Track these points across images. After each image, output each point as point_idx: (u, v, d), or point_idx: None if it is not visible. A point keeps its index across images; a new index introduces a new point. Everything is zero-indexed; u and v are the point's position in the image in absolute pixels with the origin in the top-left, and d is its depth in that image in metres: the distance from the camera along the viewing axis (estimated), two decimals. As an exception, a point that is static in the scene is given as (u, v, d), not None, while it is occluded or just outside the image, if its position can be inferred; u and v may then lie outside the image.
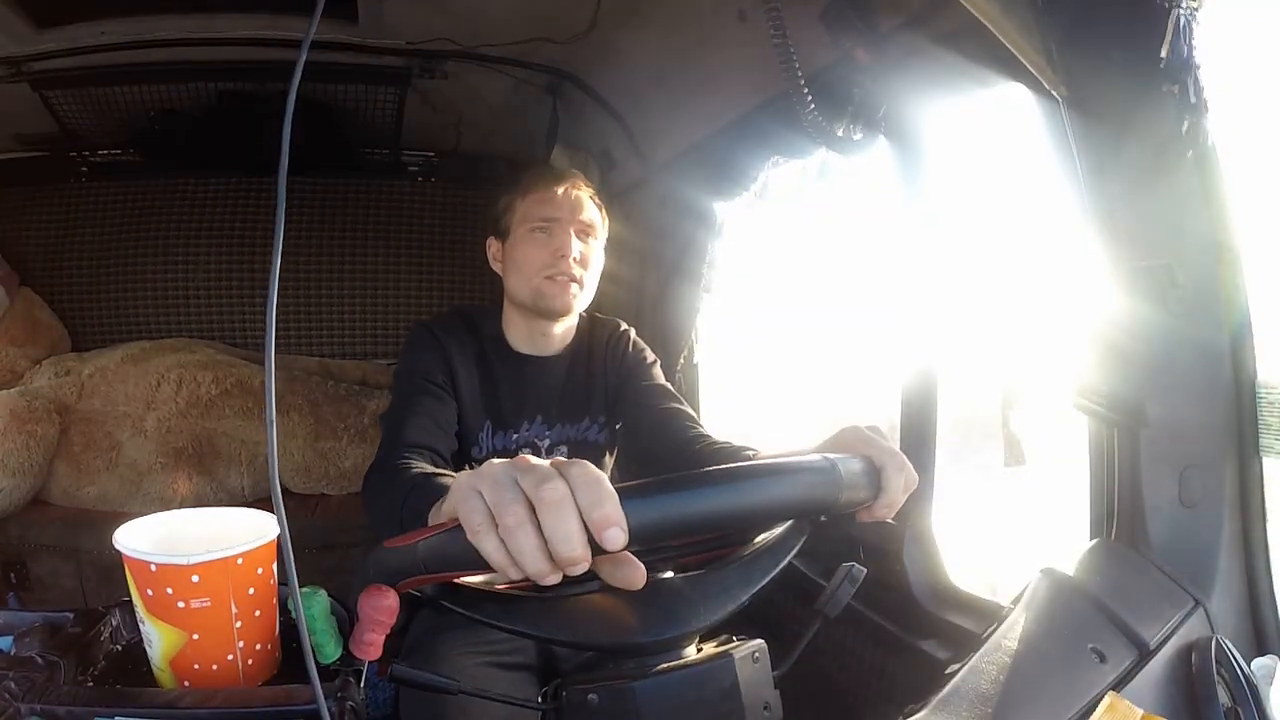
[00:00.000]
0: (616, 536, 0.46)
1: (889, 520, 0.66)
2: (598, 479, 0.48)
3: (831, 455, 0.60)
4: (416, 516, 0.80)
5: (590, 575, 0.58)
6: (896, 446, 0.66)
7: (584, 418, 1.24)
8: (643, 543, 0.50)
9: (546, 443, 1.23)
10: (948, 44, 0.92)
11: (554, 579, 0.48)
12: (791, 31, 0.94)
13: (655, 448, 1.17)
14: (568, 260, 1.14)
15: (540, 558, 0.47)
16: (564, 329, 1.23)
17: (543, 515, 0.47)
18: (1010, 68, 0.82)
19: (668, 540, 0.57)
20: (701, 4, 1.33)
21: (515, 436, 1.21)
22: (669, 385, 1.26)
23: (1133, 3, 0.71)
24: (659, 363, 1.29)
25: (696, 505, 0.51)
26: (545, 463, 0.50)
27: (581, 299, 1.19)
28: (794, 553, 0.65)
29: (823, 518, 0.64)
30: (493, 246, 1.23)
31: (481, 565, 0.49)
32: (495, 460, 0.51)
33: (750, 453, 0.98)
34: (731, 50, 1.34)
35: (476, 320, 1.23)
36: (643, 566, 0.55)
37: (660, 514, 0.49)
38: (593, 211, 1.20)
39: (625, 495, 0.48)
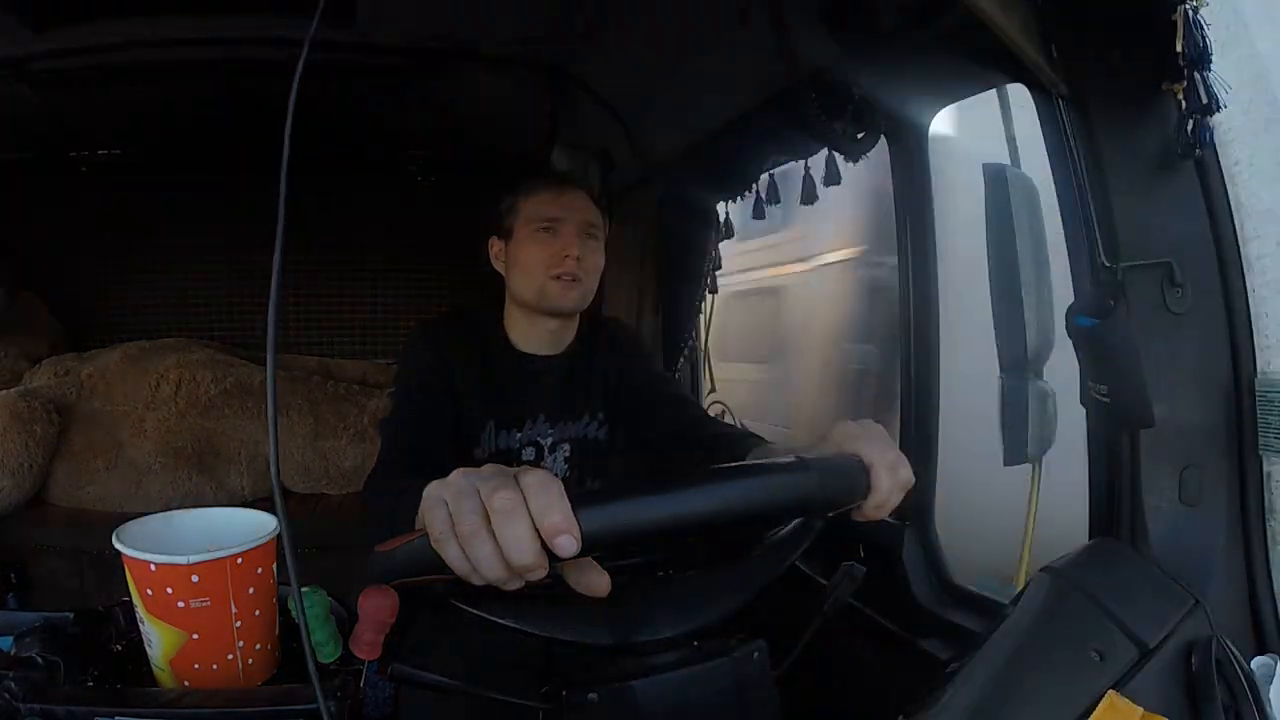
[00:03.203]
0: (568, 543, 0.47)
1: (887, 519, 0.65)
2: (550, 486, 0.48)
3: (808, 455, 0.59)
4: (405, 523, 0.80)
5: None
6: (894, 443, 0.65)
7: (584, 415, 1.25)
8: (599, 550, 0.51)
9: (549, 441, 1.23)
10: (948, 44, 0.92)
11: (515, 584, 0.49)
12: (791, 31, 0.94)
13: (656, 435, 1.18)
14: (572, 260, 1.15)
15: (497, 564, 0.48)
16: (566, 328, 1.24)
17: (495, 523, 0.47)
18: (1010, 68, 0.82)
19: (629, 546, 0.55)
20: (701, 4, 1.33)
21: (518, 435, 1.21)
22: (668, 374, 1.26)
23: (1133, 2, 0.71)
24: (656, 355, 1.30)
25: (654, 511, 0.50)
26: (509, 471, 0.50)
27: (584, 298, 1.19)
28: (799, 553, 0.64)
29: (830, 515, 0.63)
30: (495, 246, 1.24)
31: (449, 570, 0.50)
32: (462, 469, 0.52)
33: (753, 440, 0.98)
34: (731, 50, 1.34)
35: (478, 321, 1.24)
36: (606, 574, 0.55)
37: (615, 520, 0.49)
38: (595, 212, 1.21)
39: (579, 502, 0.48)
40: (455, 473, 0.52)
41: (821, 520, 0.65)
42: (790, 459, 0.58)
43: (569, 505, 0.48)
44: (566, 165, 1.96)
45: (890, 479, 0.62)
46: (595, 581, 0.55)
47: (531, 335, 1.22)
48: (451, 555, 0.49)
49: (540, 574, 0.48)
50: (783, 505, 0.57)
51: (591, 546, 0.49)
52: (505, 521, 0.47)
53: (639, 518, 0.50)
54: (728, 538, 0.65)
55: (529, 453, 1.22)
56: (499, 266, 1.24)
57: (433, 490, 0.51)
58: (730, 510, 0.53)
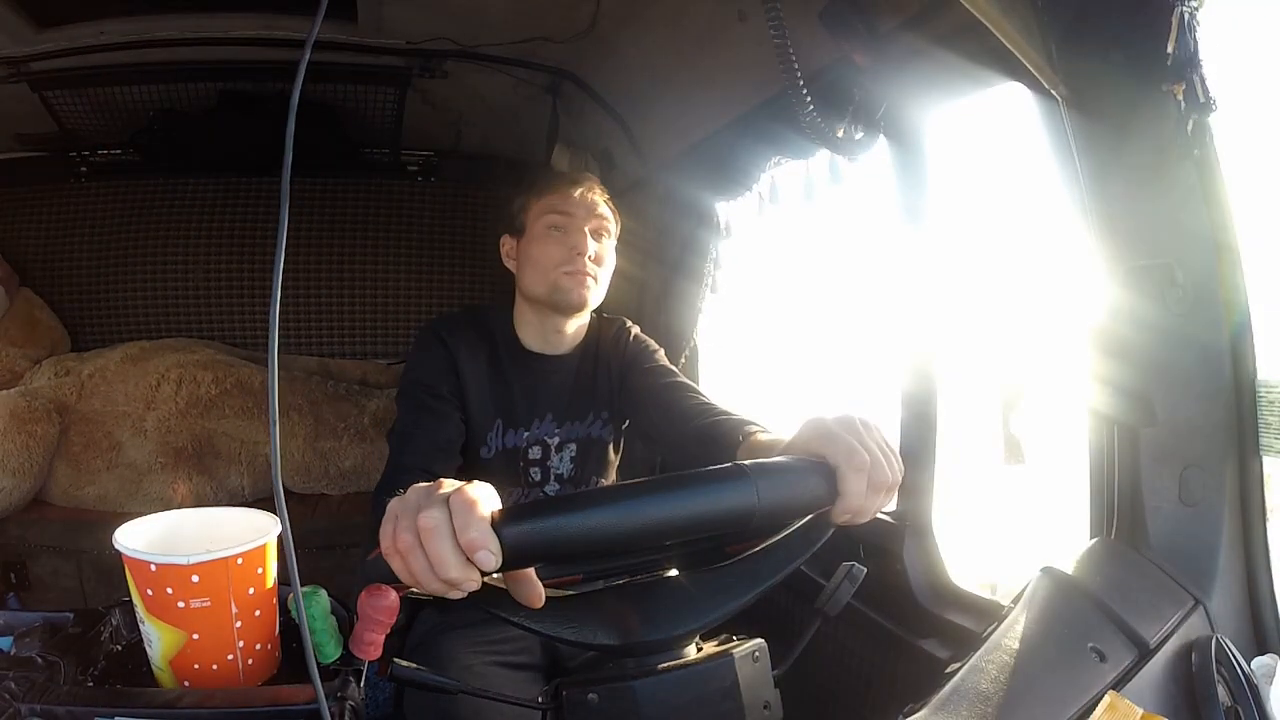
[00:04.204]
0: (486, 559, 0.50)
1: (885, 518, 0.65)
2: (471, 505, 0.51)
3: (750, 462, 0.58)
4: None
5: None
6: (882, 439, 0.62)
7: (589, 414, 1.25)
8: (525, 563, 0.54)
9: (555, 440, 1.23)
10: (948, 44, 0.92)
11: (456, 595, 0.52)
12: (791, 31, 0.94)
13: (660, 424, 1.18)
14: (584, 257, 1.16)
15: (431, 578, 0.51)
16: (576, 327, 1.24)
17: (424, 540, 0.50)
18: (1010, 68, 0.82)
19: (561, 560, 0.57)
20: (701, 4, 1.33)
21: (525, 434, 1.21)
22: (672, 367, 1.27)
23: (1133, 2, 0.72)
24: (661, 351, 1.30)
25: (577, 525, 0.52)
26: (450, 486, 0.53)
27: (595, 295, 1.20)
28: (805, 556, 0.63)
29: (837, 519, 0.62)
30: (507, 244, 1.24)
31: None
32: (416, 485, 0.54)
33: (753, 428, 0.99)
34: (731, 50, 1.34)
35: (488, 320, 1.24)
36: (539, 585, 0.57)
37: (534, 535, 0.51)
38: (606, 213, 1.22)
39: (506, 518, 0.51)
40: (411, 488, 0.54)
41: (832, 524, 0.64)
42: (728, 466, 0.57)
43: (487, 523, 0.50)
44: (567, 165, 1.96)
45: (859, 482, 0.58)
46: (527, 592, 0.57)
47: (542, 334, 1.23)
48: (397, 568, 0.52)
49: (472, 586, 0.51)
50: (716, 518, 0.55)
51: (514, 560, 0.51)
52: (430, 539, 0.50)
53: (558, 532, 0.52)
54: (678, 549, 0.64)
55: (535, 451, 1.22)
56: (510, 264, 1.24)
57: (390, 506, 0.54)
58: (656, 524, 0.54)
